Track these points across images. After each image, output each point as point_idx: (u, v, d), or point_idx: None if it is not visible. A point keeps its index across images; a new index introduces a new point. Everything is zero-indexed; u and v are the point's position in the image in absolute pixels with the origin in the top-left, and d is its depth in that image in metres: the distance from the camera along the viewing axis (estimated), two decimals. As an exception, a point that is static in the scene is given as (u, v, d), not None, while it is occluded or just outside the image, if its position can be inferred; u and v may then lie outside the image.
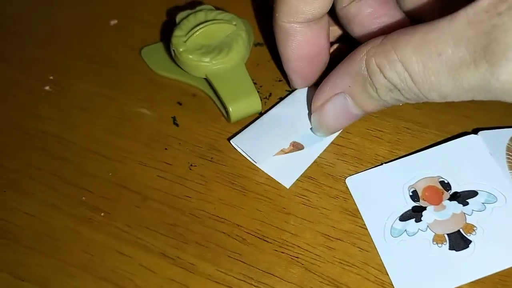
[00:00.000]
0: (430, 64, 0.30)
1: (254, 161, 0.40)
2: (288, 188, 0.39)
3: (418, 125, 0.42)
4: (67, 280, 0.36)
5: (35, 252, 0.37)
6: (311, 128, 0.41)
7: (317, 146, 0.41)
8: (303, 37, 0.38)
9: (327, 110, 0.37)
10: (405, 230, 0.36)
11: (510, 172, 0.38)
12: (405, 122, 0.42)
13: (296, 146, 0.40)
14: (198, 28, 0.42)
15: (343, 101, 0.35)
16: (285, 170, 0.39)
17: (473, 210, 0.36)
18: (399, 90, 0.32)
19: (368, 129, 0.42)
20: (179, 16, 0.44)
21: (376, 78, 0.32)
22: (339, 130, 0.40)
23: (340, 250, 0.36)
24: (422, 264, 0.35)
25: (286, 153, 0.40)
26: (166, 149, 0.41)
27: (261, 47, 0.47)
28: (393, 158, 0.40)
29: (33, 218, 0.38)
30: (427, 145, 0.40)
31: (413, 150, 0.40)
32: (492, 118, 0.42)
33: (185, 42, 0.42)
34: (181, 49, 0.42)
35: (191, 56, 0.42)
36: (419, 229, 0.36)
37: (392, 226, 0.36)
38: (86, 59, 0.47)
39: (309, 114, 0.40)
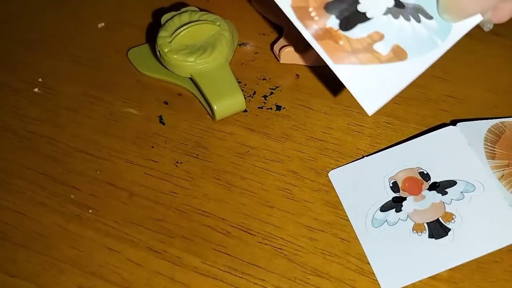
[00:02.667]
0: None
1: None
2: (370, 115, 0.30)
3: (397, 119, 0.43)
4: (56, 275, 0.36)
5: (25, 249, 0.38)
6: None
7: (424, 57, 0.30)
8: None
9: None
10: (386, 220, 0.37)
11: (488, 162, 0.39)
12: (385, 116, 0.43)
13: (397, 54, 0.29)
14: (182, 28, 0.43)
15: None
16: (373, 87, 0.29)
17: (452, 199, 0.37)
18: None
19: (349, 124, 0.43)
20: (164, 18, 0.45)
21: None
22: (473, 15, 0.29)
23: (322, 241, 0.37)
24: (402, 252, 0.36)
25: (382, 62, 0.29)
26: (152, 147, 0.42)
27: (245, 47, 0.48)
28: (373, 151, 0.41)
29: (23, 216, 0.39)
30: (406, 138, 0.41)
31: (393, 143, 0.41)
32: (468, 111, 0.43)
33: (170, 42, 0.43)
34: (166, 50, 0.43)
35: (175, 56, 0.43)
36: (399, 218, 0.37)
37: (373, 216, 0.37)
38: (74, 61, 0.48)
39: None
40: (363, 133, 0.42)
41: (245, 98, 0.43)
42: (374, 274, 0.35)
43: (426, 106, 0.43)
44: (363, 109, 0.42)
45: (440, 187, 0.38)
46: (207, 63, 0.43)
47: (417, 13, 0.29)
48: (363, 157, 0.40)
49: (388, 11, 0.30)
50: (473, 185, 0.38)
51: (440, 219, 0.37)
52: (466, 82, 0.45)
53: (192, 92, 0.45)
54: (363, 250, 0.36)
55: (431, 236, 0.36)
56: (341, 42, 0.29)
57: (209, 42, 0.44)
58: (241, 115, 0.44)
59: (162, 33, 0.44)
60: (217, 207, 0.39)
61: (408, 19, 0.29)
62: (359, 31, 0.29)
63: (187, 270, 0.36)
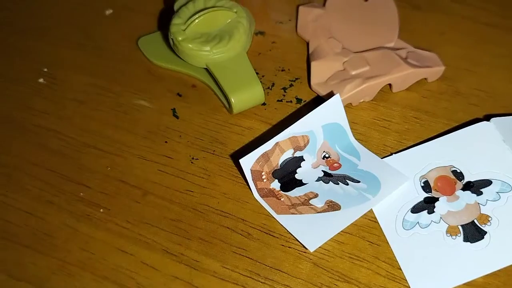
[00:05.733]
0: None
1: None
2: (311, 251, 0.34)
3: (426, 114, 0.40)
4: (66, 279, 0.34)
5: (32, 251, 0.35)
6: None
7: (356, 208, 0.35)
8: None
9: None
10: (418, 222, 0.35)
11: (524, 161, 0.36)
12: (413, 111, 0.41)
13: (332, 206, 0.36)
14: (197, 15, 0.41)
15: None
16: (312, 231, 0.35)
17: (487, 199, 0.35)
18: None
19: (374, 119, 0.40)
20: (177, 4, 0.43)
21: None
22: None
23: (349, 244, 0.35)
24: (436, 257, 0.33)
25: (318, 212, 0.36)
26: (166, 142, 0.40)
27: (262, 36, 0.46)
28: (402, 148, 0.38)
29: (29, 215, 0.37)
30: (436, 134, 0.39)
31: (422, 140, 0.39)
32: (500, 106, 0.40)
33: (184, 30, 0.40)
34: (180, 38, 0.40)
35: (190, 45, 0.40)
36: (432, 221, 0.35)
37: (404, 218, 0.35)
38: (81, 50, 0.46)
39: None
40: (390, 128, 0.40)
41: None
42: (405, 280, 0.33)
43: (455, 100, 0.41)
44: (389, 103, 0.41)
45: (475, 187, 0.36)
46: (224, 52, 0.40)
47: (344, 179, 0.37)
48: (391, 154, 0.38)
49: (319, 179, 0.37)
50: (510, 185, 0.35)
51: (476, 221, 0.34)
52: (496, 75, 0.42)
53: (206, 83, 0.42)
54: (393, 254, 0.34)
55: (466, 239, 0.34)
56: (282, 199, 0.36)
57: (226, 30, 0.41)
58: (259, 108, 0.41)
59: (176, 20, 0.41)
60: (236, 207, 0.37)
61: (337, 183, 0.36)
62: (297, 192, 0.37)
63: (206, 275, 0.34)
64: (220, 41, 0.40)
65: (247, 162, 0.36)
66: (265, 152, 0.36)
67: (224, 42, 0.40)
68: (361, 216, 0.35)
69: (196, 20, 0.41)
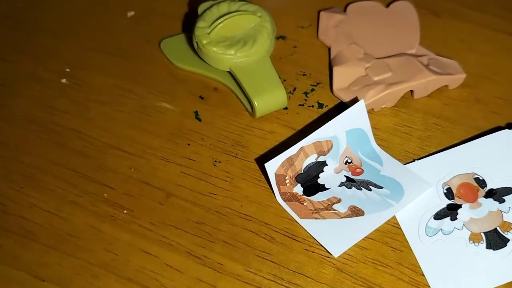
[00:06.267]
0: None
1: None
2: (336, 257, 0.34)
3: (447, 121, 0.41)
4: (90, 280, 0.34)
5: (56, 251, 0.36)
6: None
7: (379, 214, 0.36)
8: None
9: None
10: (441, 229, 0.35)
11: (546, 169, 0.36)
12: (434, 118, 0.41)
13: (355, 212, 0.36)
14: (222, 19, 0.41)
15: None
16: (336, 236, 0.35)
17: (509, 207, 0.35)
18: None
19: (396, 125, 0.41)
20: (201, 7, 0.43)
21: None
22: None
23: (372, 250, 0.35)
24: (459, 264, 0.34)
25: (342, 217, 0.36)
26: (189, 144, 0.40)
27: (283, 40, 0.46)
28: (424, 155, 0.39)
29: (52, 215, 0.37)
30: (457, 141, 0.39)
31: (444, 147, 0.39)
32: (520, 114, 0.41)
33: (208, 34, 0.41)
34: (204, 41, 0.41)
35: (215, 49, 0.40)
36: (454, 227, 0.35)
37: (426, 224, 0.35)
38: (103, 51, 0.46)
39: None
40: (412, 134, 0.40)
41: (285, 94, 0.41)
42: (428, 286, 0.33)
43: (475, 107, 0.41)
44: (410, 110, 0.41)
45: (497, 195, 0.36)
46: (248, 56, 0.40)
47: (367, 185, 0.37)
48: (413, 160, 0.38)
49: (342, 184, 0.37)
50: (532, 193, 0.36)
51: (498, 228, 0.35)
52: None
53: (229, 86, 0.43)
54: (416, 260, 0.34)
55: (489, 247, 0.34)
56: (305, 204, 0.36)
57: (250, 34, 0.41)
58: (281, 112, 0.41)
59: (200, 24, 0.41)
60: (259, 211, 0.37)
61: (360, 189, 0.37)
62: (320, 196, 0.37)
63: (230, 278, 0.34)
64: (244, 45, 0.40)
65: (272, 166, 0.36)
66: (290, 156, 0.36)
67: (248, 46, 0.40)
68: (384, 222, 0.36)
69: (221, 24, 0.41)
